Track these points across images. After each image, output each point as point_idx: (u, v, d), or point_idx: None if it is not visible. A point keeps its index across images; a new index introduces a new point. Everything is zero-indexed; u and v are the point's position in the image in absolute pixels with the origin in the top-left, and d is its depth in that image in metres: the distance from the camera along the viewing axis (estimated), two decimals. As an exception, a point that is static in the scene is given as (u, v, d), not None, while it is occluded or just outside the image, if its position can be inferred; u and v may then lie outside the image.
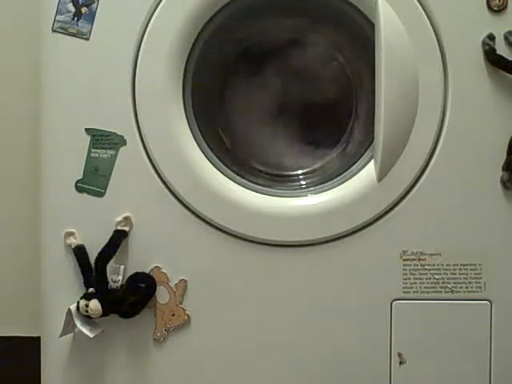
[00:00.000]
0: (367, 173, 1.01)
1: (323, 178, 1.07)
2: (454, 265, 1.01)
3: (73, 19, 1.00)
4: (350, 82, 1.11)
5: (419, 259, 1.01)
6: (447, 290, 1.01)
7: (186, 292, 1.02)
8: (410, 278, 1.01)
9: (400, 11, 0.97)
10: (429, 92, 0.98)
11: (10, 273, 1.35)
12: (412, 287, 1.01)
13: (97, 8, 0.99)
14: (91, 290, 1.00)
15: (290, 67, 1.12)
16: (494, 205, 1.00)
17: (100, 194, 1.01)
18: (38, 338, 1.06)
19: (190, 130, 1.03)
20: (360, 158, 1.05)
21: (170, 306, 1.02)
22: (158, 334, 1.03)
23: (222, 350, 1.03)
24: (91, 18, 0.99)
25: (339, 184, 1.03)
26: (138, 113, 1.00)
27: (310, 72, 1.12)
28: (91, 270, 1.00)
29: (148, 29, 0.99)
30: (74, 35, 1.00)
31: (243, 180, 1.05)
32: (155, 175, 1.01)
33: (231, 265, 1.02)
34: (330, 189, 1.03)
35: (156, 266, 1.02)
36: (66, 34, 1.00)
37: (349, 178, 1.03)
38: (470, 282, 1.01)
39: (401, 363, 1.02)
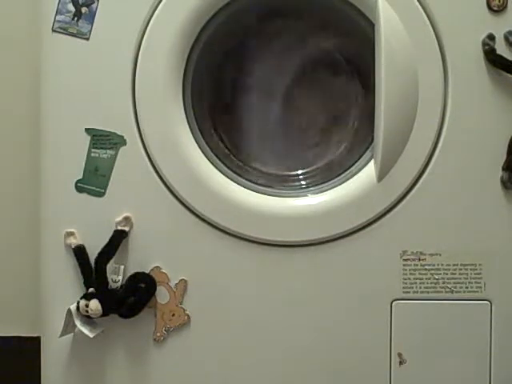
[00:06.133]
0: (367, 173, 1.01)
1: (323, 178, 1.07)
2: (454, 265, 1.01)
3: (73, 19, 1.00)
4: (350, 82, 1.11)
5: (419, 259, 1.01)
6: (447, 290, 1.01)
7: (186, 292, 1.02)
8: (409, 278, 1.01)
9: (400, 11, 0.97)
10: (429, 92, 0.98)
11: (10, 273, 1.34)
12: (412, 287, 1.01)
13: (97, 8, 0.99)
14: (91, 290, 1.00)
15: (290, 67, 1.12)
16: (494, 205, 1.00)
17: (100, 194, 1.01)
18: (38, 338, 1.06)
19: (190, 130, 1.02)
20: (360, 157, 1.05)
21: (170, 305, 1.02)
22: (158, 334, 1.03)
23: (221, 349, 1.03)
24: (91, 18, 0.99)
25: (339, 184, 1.03)
26: (138, 113, 1.00)
27: (310, 72, 1.12)
28: (91, 270, 1.00)
29: (148, 29, 0.99)
30: (74, 35, 1.00)
31: (243, 180, 1.05)
32: (155, 175, 1.01)
33: (231, 265, 1.02)
34: (330, 189, 1.03)
35: (156, 266, 1.02)
36: (66, 33, 1.00)
37: (349, 178, 1.03)
38: (469, 282, 1.01)
39: (401, 363, 1.02)
